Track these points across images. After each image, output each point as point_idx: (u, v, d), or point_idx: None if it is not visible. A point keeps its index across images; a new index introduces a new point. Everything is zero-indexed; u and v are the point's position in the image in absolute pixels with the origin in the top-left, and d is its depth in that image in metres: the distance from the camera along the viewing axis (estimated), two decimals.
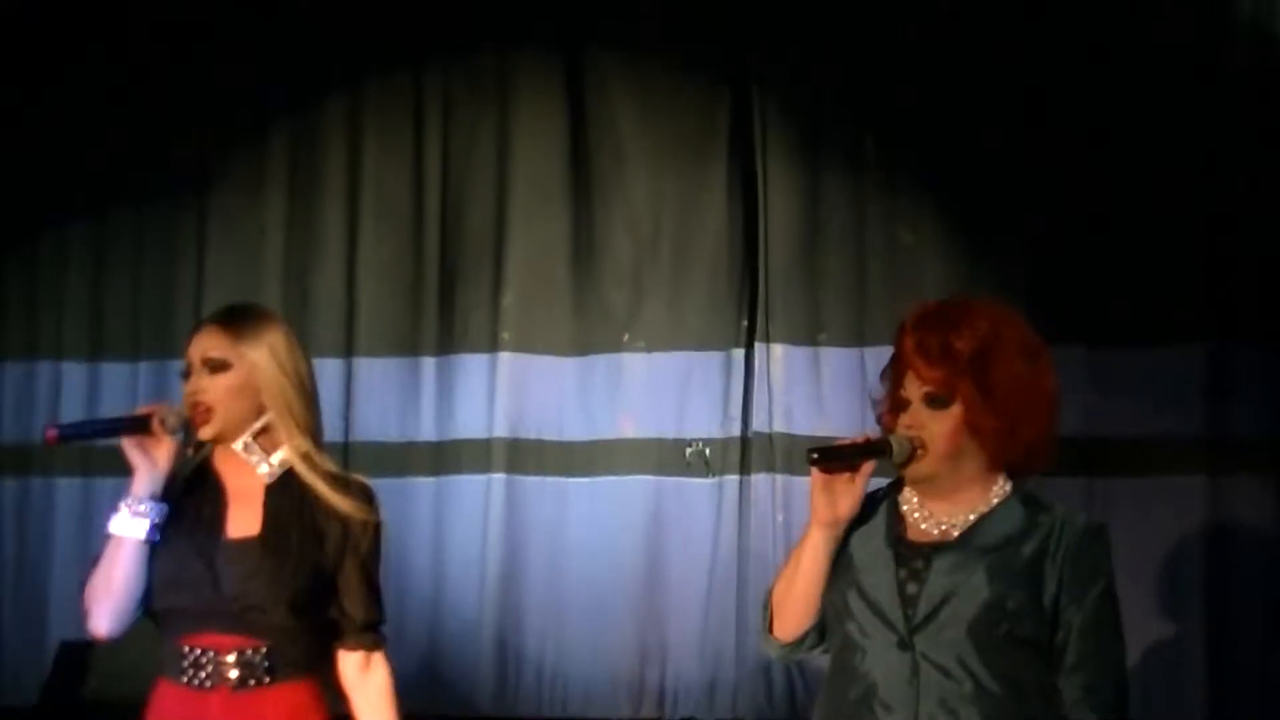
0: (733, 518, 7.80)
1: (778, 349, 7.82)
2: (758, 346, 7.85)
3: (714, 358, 7.92)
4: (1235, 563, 7.42)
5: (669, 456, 7.89)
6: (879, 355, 7.67)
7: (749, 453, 7.84)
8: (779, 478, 7.76)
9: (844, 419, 7.74)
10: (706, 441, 7.88)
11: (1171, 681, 7.37)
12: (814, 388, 7.82)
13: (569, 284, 8.03)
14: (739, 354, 7.91)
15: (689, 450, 7.87)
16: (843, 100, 7.93)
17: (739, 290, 7.94)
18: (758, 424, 7.82)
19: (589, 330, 8.01)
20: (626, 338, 7.95)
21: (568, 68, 8.11)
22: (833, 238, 7.88)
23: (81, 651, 7.34)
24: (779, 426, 7.79)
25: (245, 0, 8.23)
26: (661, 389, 7.93)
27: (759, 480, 7.78)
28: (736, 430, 7.87)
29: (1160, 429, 7.53)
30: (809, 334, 7.85)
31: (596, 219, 8.04)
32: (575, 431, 7.96)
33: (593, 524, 7.88)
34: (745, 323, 7.91)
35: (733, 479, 7.84)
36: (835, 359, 7.81)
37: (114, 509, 4.74)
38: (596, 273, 8.02)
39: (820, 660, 6.45)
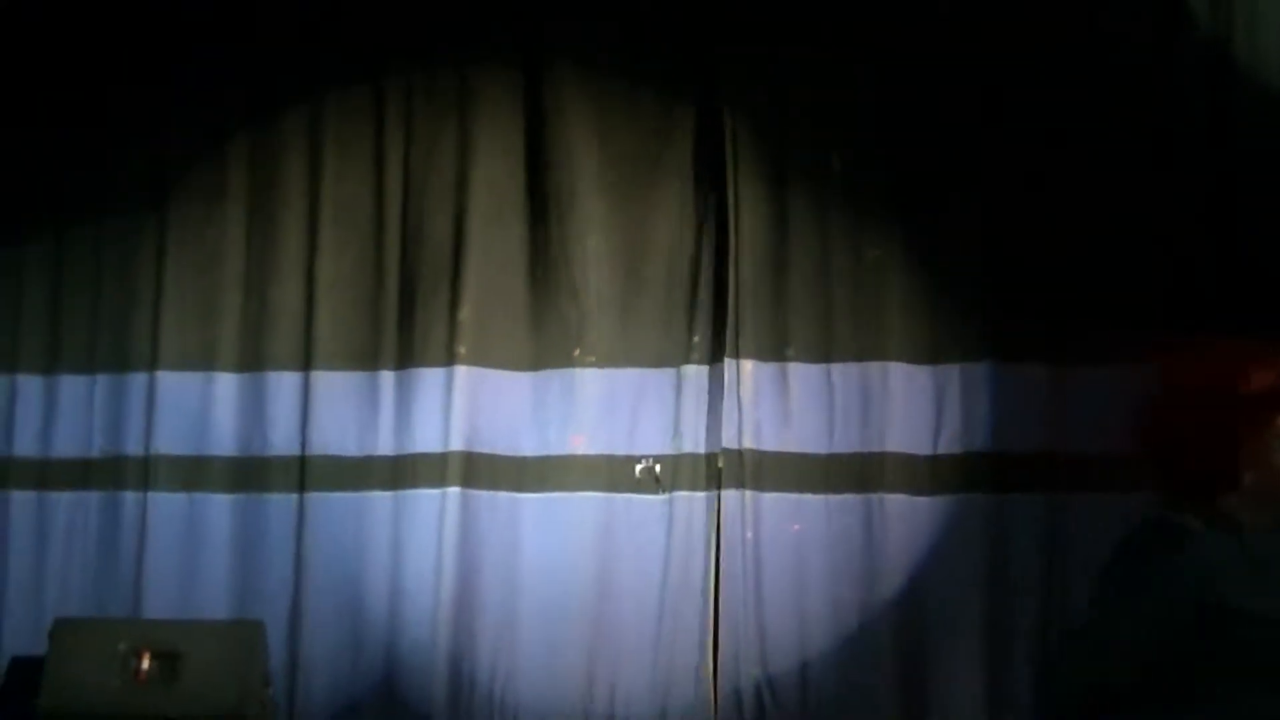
0: (684, 534, 7.77)
1: (747, 365, 7.81)
2: (727, 362, 7.83)
3: (666, 375, 7.90)
4: None
5: (620, 473, 7.87)
6: (844, 371, 7.73)
7: (709, 469, 7.79)
8: (749, 494, 7.74)
9: (811, 434, 7.76)
10: (657, 458, 7.86)
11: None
12: (782, 403, 7.80)
13: (524, 299, 8.01)
14: (690, 370, 7.89)
15: (639, 467, 7.85)
16: (810, 120, 7.93)
17: (688, 308, 7.93)
18: (727, 440, 7.79)
19: (542, 345, 7.98)
20: (578, 353, 7.92)
21: (528, 84, 8.10)
22: (800, 255, 7.87)
23: (33, 667, 7.28)
24: (749, 443, 7.77)
25: (205, 14, 8.21)
26: (612, 405, 7.90)
27: (729, 496, 7.76)
28: (687, 447, 7.84)
29: (1120, 446, 7.50)
30: (776, 350, 7.84)
31: (553, 235, 8.02)
32: (529, 446, 7.93)
33: (545, 540, 7.83)
34: (696, 339, 7.90)
35: (683, 495, 7.81)
36: (802, 375, 7.79)
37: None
38: (551, 288, 8.00)
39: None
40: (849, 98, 7.88)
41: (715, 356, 7.87)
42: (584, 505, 7.82)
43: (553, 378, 7.94)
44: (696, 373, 7.87)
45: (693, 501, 7.79)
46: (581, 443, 7.87)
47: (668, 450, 7.84)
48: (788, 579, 7.67)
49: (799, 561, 7.69)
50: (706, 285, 7.90)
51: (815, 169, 7.90)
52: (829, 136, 7.89)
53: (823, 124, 7.91)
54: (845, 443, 7.74)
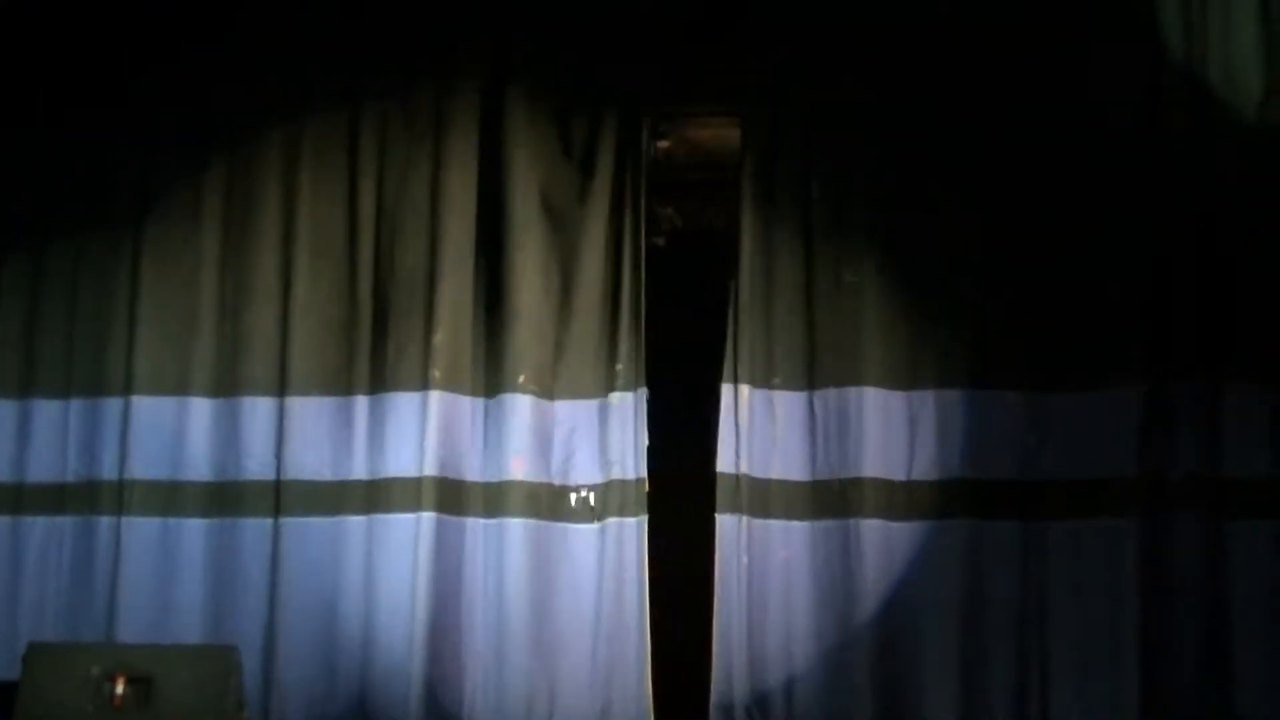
0: (615, 559, 7.81)
1: (744, 390, 7.84)
2: (725, 387, 7.86)
3: (595, 403, 7.96)
4: (1170, 602, 7.45)
5: (558, 500, 7.93)
6: (824, 397, 7.77)
7: (637, 494, 7.84)
8: (744, 520, 7.76)
9: (795, 461, 7.79)
10: (590, 486, 7.91)
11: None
12: (770, 429, 7.83)
13: (481, 326, 8.06)
14: (615, 398, 7.93)
15: (575, 496, 7.91)
16: (802, 148, 7.98)
17: (610, 335, 7.98)
18: (724, 465, 7.81)
19: (492, 372, 8.02)
20: (522, 379, 7.97)
21: (485, 114, 8.16)
22: (788, 282, 7.90)
23: (7, 691, 7.26)
24: (745, 469, 7.80)
25: (181, 39, 8.24)
26: (551, 433, 7.97)
27: (725, 521, 7.77)
28: (615, 473, 7.89)
29: (1095, 472, 7.56)
30: (765, 377, 7.86)
31: (505, 263, 8.05)
32: (490, 472, 7.97)
33: (499, 564, 7.88)
34: (619, 366, 7.95)
35: (614, 521, 7.84)
36: (788, 402, 7.82)
37: None
38: (503, 316, 8.03)
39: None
40: (837, 128, 7.94)
41: (638, 382, 7.94)
42: (527, 531, 7.87)
43: (501, 404, 7.98)
44: (620, 399, 7.93)
45: (623, 527, 7.84)
46: (521, 466, 7.92)
47: (599, 479, 7.90)
48: (778, 604, 7.71)
49: (787, 586, 7.72)
50: (628, 311, 7.97)
51: (801, 196, 7.94)
52: (814, 164, 7.95)
53: (810, 152, 7.97)
54: (827, 468, 7.78)
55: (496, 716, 7.76)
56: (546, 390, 7.99)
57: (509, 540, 7.87)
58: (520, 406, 7.96)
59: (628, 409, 7.92)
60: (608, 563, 7.82)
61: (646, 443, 7.89)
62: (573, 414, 7.98)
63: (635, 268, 8.01)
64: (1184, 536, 7.47)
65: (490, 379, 8.03)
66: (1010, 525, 7.60)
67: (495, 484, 7.95)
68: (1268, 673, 7.33)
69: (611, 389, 7.97)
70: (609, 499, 7.87)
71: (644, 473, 7.87)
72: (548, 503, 7.91)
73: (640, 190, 8.05)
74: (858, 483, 7.68)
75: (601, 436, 7.94)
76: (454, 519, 7.91)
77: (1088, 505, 7.52)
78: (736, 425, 7.81)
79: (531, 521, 7.89)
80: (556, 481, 7.94)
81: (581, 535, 7.89)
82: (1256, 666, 7.34)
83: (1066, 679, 7.46)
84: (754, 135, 8.03)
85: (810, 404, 7.82)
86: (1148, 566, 7.44)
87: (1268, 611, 7.36)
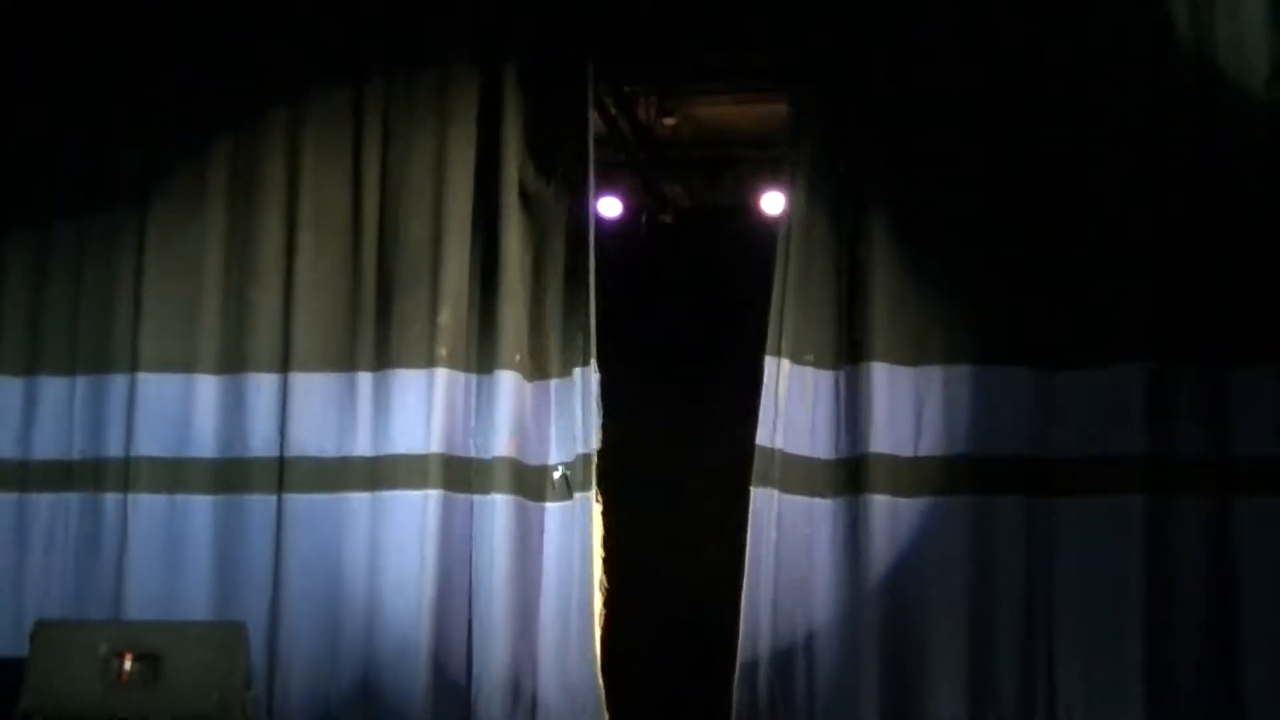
0: (580, 532, 7.84)
1: (785, 365, 7.83)
2: (768, 360, 7.84)
3: (568, 381, 7.99)
4: (1176, 579, 7.46)
5: (540, 477, 7.97)
6: (850, 374, 7.78)
7: (587, 468, 7.88)
8: (776, 494, 7.77)
9: (821, 438, 7.79)
10: (567, 464, 7.93)
11: (1111, 698, 7.42)
12: (805, 406, 7.83)
13: (478, 303, 8.07)
14: (578, 373, 7.96)
15: (555, 475, 7.93)
16: (836, 127, 7.99)
17: (567, 313, 8.02)
18: (762, 438, 7.81)
19: (487, 350, 8.04)
20: (518, 358, 8.00)
21: (491, 94, 8.17)
22: (824, 260, 7.89)
23: (14, 669, 7.28)
24: (780, 443, 7.80)
25: (185, 16, 8.25)
26: (532, 410, 8.01)
27: (758, 494, 7.78)
28: (579, 448, 7.90)
29: (1102, 449, 7.56)
30: (799, 354, 7.85)
31: (498, 241, 8.08)
32: (489, 449, 7.98)
33: (495, 541, 7.89)
34: (582, 343, 7.98)
35: (580, 495, 7.89)
36: (817, 379, 7.82)
37: None
38: (498, 294, 8.04)
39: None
40: (855, 112, 7.95)
41: (589, 357, 7.97)
42: (515, 508, 7.92)
43: (494, 382, 8.00)
44: (580, 375, 7.97)
45: (583, 501, 7.89)
46: (513, 445, 7.95)
47: (569, 455, 7.93)
48: (801, 578, 7.73)
49: (809, 561, 7.73)
50: (581, 288, 8.01)
51: (833, 176, 7.94)
52: (842, 146, 7.95)
53: (838, 129, 7.97)
54: (846, 446, 7.79)
55: (491, 691, 7.79)
56: (528, 368, 8.02)
57: (499, 517, 7.88)
58: (512, 385, 7.98)
59: (588, 384, 7.95)
60: (576, 536, 7.86)
61: (600, 418, 7.93)
62: (549, 391, 8.02)
63: (584, 246, 8.03)
64: (1191, 514, 7.48)
65: (483, 357, 8.04)
66: (1016, 501, 7.60)
67: (488, 461, 7.95)
68: (1273, 648, 7.35)
69: (573, 365, 7.99)
70: (575, 474, 7.90)
71: (597, 446, 7.90)
72: (531, 480, 7.94)
73: (589, 169, 8.09)
74: (867, 459, 7.68)
75: (569, 413, 7.96)
76: (460, 496, 7.92)
77: (1094, 482, 7.53)
78: (775, 400, 7.82)
79: (518, 499, 7.91)
80: (538, 459, 7.96)
81: (557, 511, 7.91)
82: (1263, 643, 7.35)
83: (1072, 654, 7.48)
84: (802, 117, 8.02)
85: (836, 382, 7.82)
86: (1154, 543, 7.45)
87: (1275, 588, 7.38)
